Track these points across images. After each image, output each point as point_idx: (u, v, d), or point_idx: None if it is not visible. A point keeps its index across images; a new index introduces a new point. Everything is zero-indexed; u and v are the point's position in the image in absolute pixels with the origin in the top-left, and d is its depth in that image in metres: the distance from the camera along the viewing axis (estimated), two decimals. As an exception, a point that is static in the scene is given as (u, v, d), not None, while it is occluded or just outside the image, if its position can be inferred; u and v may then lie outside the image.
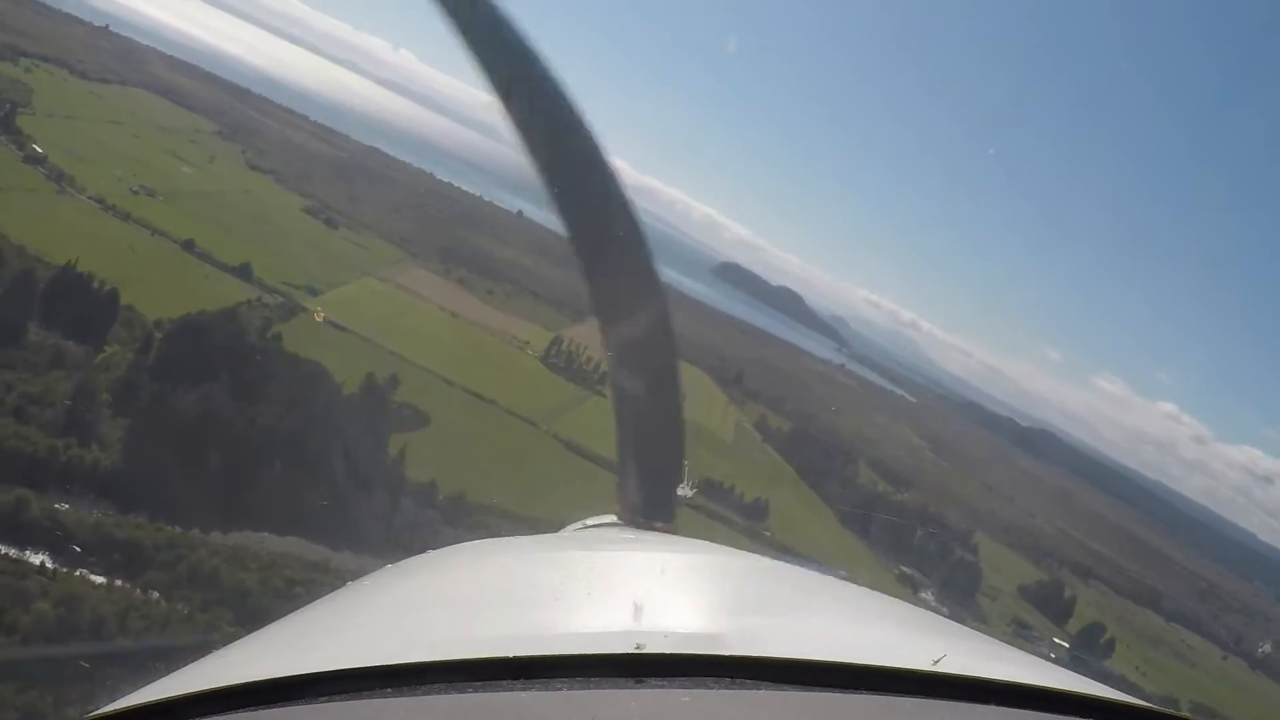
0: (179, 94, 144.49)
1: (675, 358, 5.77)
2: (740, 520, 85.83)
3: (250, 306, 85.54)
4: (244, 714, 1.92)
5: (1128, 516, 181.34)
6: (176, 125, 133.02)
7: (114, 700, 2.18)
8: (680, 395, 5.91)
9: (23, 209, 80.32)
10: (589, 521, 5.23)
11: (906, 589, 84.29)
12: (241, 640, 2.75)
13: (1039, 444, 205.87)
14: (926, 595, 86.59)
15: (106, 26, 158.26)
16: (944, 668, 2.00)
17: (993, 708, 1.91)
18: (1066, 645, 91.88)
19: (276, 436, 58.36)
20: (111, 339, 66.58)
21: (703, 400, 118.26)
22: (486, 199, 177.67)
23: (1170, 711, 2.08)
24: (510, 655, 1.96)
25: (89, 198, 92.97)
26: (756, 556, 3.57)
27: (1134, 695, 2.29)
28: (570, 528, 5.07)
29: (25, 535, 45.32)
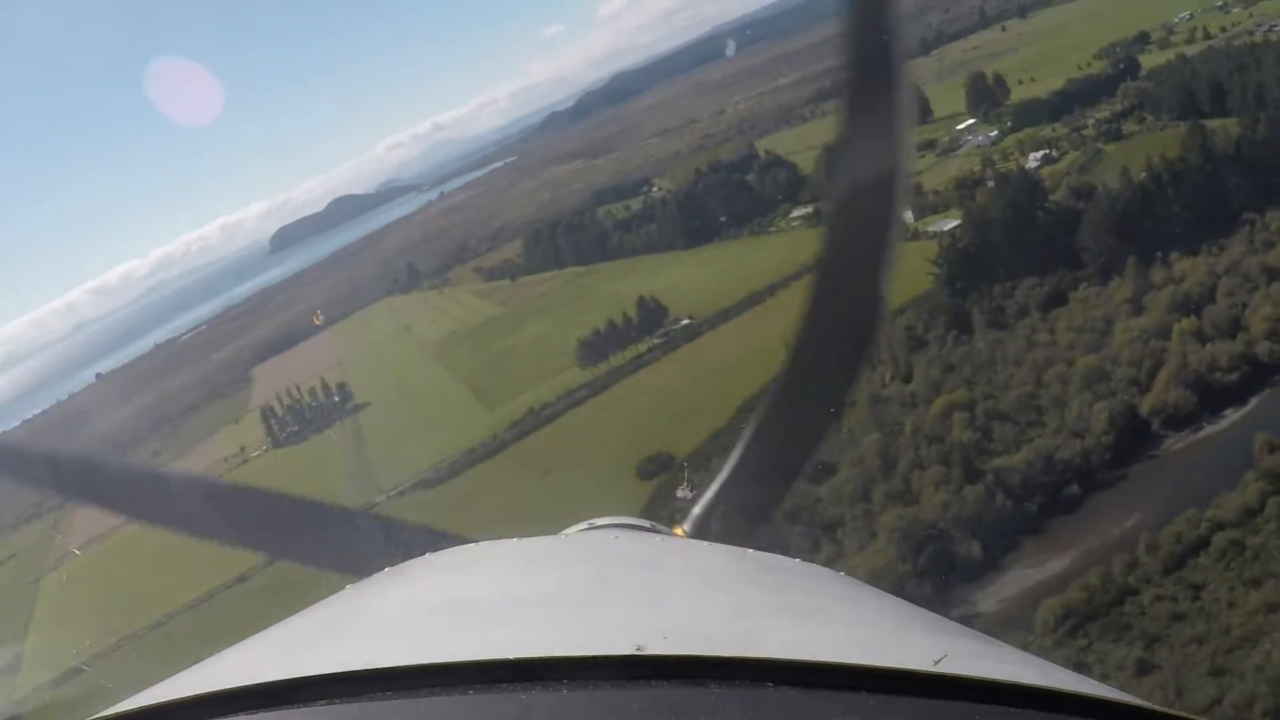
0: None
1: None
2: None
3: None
4: (243, 717, 1.96)
5: None
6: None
7: (114, 704, 2.23)
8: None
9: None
10: (589, 523, 4.90)
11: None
12: (241, 643, 2.75)
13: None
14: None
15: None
16: (945, 668, 2.00)
17: (994, 708, 1.91)
18: None
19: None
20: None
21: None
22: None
23: (1173, 711, 2.05)
24: (510, 656, 1.99)
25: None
26: (757, 554, 3.52)
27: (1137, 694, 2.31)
28: (570, 529, 4.82)
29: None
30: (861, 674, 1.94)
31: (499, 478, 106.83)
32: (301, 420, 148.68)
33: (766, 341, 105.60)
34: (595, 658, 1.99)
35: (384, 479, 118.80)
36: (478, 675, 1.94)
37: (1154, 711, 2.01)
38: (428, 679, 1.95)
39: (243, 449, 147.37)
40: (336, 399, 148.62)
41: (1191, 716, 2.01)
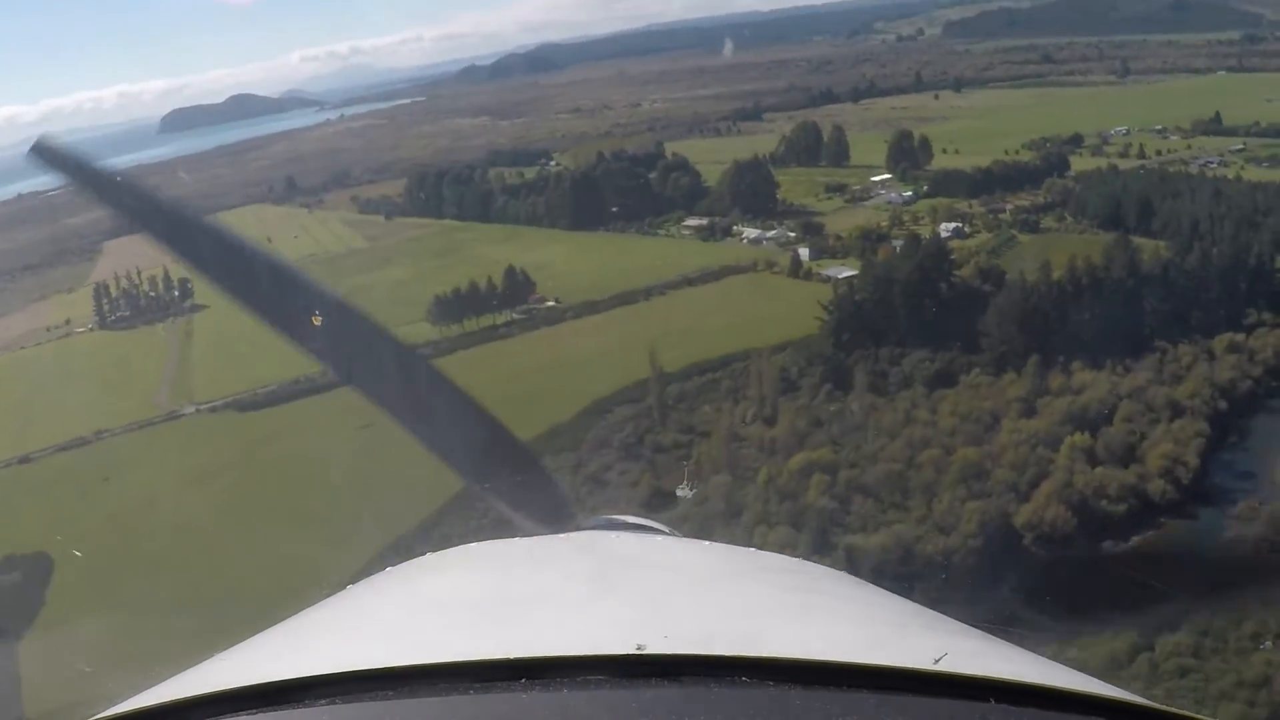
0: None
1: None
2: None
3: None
4: (245, 717, 2.01)
5: None
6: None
7: (116, 704, 2.29)
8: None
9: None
10: (588, 523, 4.83)
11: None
12: (243, 643, 2.82)
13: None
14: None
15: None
16: (945, 666, 2.03)
17: (995, 705, 1.93)
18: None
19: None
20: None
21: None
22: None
23: (1175, 710, 2.07)
24: (510, 656, 2.03)
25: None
26: (756, 553, 3.61)
27: (1139, 691, 2.34)
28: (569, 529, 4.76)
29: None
30: (862, 673, 1.96)
31: (316, 417, 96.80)
32: (135, 307, 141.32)
33: (627, 344, 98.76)
34: (595, 657, 2.02)
35: (199, 389, 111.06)
36: (478, 675, 1.97)
37: (1156, 710, 2.02)
38: (428, 679, 1.98)
39: (68, 321, 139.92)
40: (176, 294, 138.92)
41: (1195, 715, 2.02)
